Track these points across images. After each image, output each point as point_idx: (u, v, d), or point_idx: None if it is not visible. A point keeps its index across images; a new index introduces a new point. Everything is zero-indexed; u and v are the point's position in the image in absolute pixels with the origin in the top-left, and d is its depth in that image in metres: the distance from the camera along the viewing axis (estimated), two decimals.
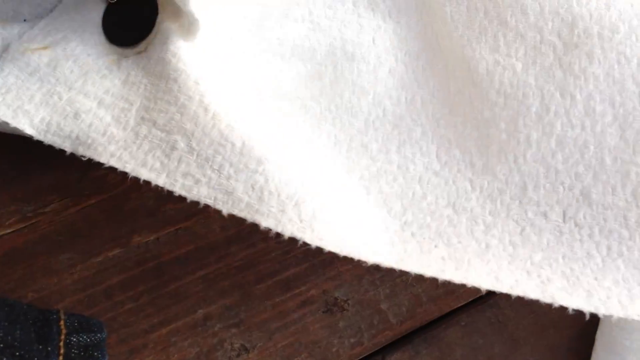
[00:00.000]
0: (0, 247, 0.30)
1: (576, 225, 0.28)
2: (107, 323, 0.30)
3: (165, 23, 0.30)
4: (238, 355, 0.31)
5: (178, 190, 0.28)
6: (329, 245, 0.27)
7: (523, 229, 0.29)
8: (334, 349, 0.32)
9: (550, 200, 0.29)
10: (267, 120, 0.31)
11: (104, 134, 0.28)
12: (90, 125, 0.28)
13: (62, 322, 0.26)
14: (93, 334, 0.27)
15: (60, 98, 0.29)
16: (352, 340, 0.32)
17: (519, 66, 0.30)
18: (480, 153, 0.30)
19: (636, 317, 0.26)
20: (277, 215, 0.27)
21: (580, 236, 0.28)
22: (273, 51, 0.32)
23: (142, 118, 0.29)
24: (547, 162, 0.29)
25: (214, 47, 0.31)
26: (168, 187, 0.28)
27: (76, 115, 0.28)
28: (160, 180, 0.28)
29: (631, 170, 0.28)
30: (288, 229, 0.27)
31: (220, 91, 0.30)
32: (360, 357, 0.32)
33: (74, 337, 0.26)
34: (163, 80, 0.29)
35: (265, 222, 0.27)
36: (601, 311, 0.25)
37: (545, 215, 0.29)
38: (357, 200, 0.30)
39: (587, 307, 0.26)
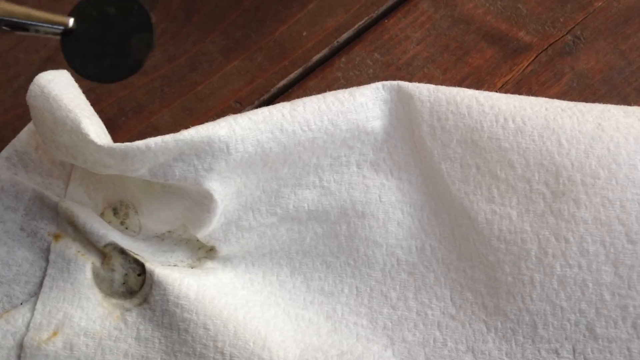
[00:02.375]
0: None
1: None
2: None
3: (156, 274, 0.34)
4: None
5: None
6: None
7: None
8: None
9: (559, 337, 0.32)
10: (287, 301, 0.34)
11: None
12: None
13: None
14: None
15: None
16: None
17: (514, 214, 0.33)
18: (490, 295, 0.34)
19: None
20: None
21: None
22: (291, 217, 0.36)
23: None
24: (552, 301, 0.32)
25: (231, 234, 0.35)
26: None
27: None
28: None
29: (629, 304, 0.31)
30: None
31: (231, 316, 0.33)
32: None
33: None
34: (175, 332, 0.33)
35: None
36: None
37: (556, 352, 0.32)
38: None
39: None
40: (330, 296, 0.36)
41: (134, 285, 0.34)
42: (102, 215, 0.36)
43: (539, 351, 0.32)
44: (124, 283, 0.34)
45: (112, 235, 0.34)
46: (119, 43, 0.21)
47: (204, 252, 0.37)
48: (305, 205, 0.36)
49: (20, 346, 0.32)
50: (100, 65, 0.21)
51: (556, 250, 0.32)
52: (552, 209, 0.33)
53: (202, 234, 0.35)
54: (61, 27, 0.22)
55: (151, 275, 0.34)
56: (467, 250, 0.35)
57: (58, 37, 0.22)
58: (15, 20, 0.22)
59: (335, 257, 0.36)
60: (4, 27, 0.22)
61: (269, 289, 0.36)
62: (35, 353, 0.32)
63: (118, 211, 0.36)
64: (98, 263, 0.34)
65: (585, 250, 0.32)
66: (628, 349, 0.31)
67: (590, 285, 0.32)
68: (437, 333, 0.34)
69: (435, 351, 0.33)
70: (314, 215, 0.36)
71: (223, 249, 0.36)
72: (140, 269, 0.34)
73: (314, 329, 0.35)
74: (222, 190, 0.34)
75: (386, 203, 0.36)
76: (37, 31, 0.22)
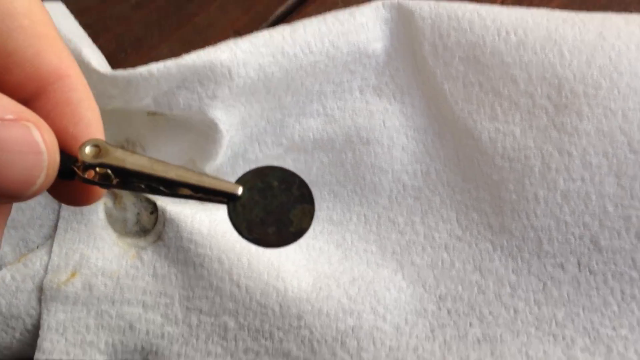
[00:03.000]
0: None
1: (591, 272, 0.32)
2: None
3: (168, 211, 0.35)
4: None
5: None
6: None
7: (545, 285, 0.33)
8: None
9: (564, 251, 0.33)
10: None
11: (162, 337, 0.33)
12: (147, 333, 0.33)
13: None
14: None
15: (110, 316, 0.34)
16: None
17: (517, 131, 0.34)
18: (495, 214, 0.35)
19: None
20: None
21: (595, 284, 0.32)
22: (297, 148, 0.37)
23: (187, 308, 0.34)
24: (556, 216, 0.33)
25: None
26: None
27: (131, 327, 0.33)
28: None
29: (632, 214, 0.32)
30: None
31: (244, 249, 0.34)
32: None
33: None
34: (190, 267, 0.34)
35: None
36: None
37: (562, 266, 0.33)
38: (393, 284, 0.34)
39: None
40: (339, 225, 0.37)
41: (147, 223, 0.36)
42: None
43: (544, 266, 0.33)
44: (137, 222, 0.36)
45: None
46: (282, 212, 0.23)
47: None
48: (310, 134, 0.37)
49: (40, 289, 0.34)
50: (266, 231, 0.23)
51: (559, 164, 0.33)
52: (554, 123, 0.33)
53: (210, 168, 0.37)
54: (227, 196, 0.23)
55: (163, 212, 0.35)
56: (472, 171, 0.35)
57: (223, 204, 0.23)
58: (186, 186, 0.23)
59: (342, 186, 0.37)
60: (161, 189, 0.23)
61: None
62: (55, 295, 0.34)
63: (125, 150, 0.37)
64: (110, 203, 0.36)
65: (588, 163, 0.32)
66: (632, 259, 0.32)
67: (594, 198, 0.32)
68: (445, 255, 0.35)
69: (443, 272, 0.35)
70: (319, 145, 0.37)
71: None
72: (152, 207, 0.36)
73: (325, 257, 0.36)
74: (226, 119, 0.34)
75: (390, 128, 0.37)
76: (200, 199, 0.23)
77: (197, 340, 0.33)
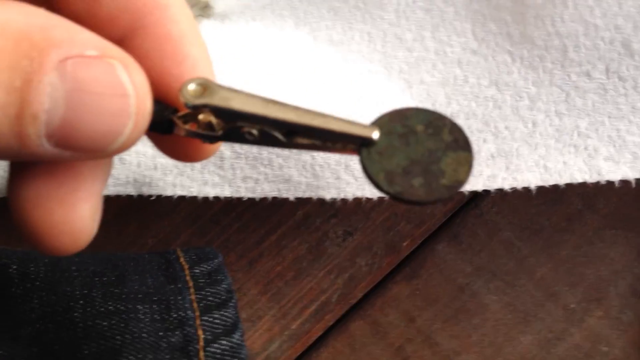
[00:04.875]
0: (111, 208, 0.35)
1: (620, 79, 0.31)
2: (223, 245, 0.34)
3: None
4: (344, 240, 0.35)
5: (244, 194, 0.31)
6: None
7: (568, 95, 0.31)
8: (429, 210, 0.35)
9: (591, 58, 0.31)
10: (294, 58, 0.34)
11: (155, 168, 0.31)
12: (139, 165, 0.31)
13: (181, 259, 0.31)
14: (211, 261, 0.31)
15: None
16: None
17: None
18: (516, 22, 0.32)
19: None
20: (335, 184, 0.30)
21: (624, 90, 0.30)
22: None
23: None
24: (585, 20, 0.31)
25: None
26: (235, 195, 0.31)
27: (121, 160, 0.31)
28: (225, 192, 0.31)
29: None
30: (349, 192, 0.31)
31: (237, 67, 0.32)
32: (454, 211, 0.35)
33: (197, 269, 0.30)
34: None
35: (328, 195, 0.31)
36: None
37: (588, 74, 0.31)
38: (400, 104, 0.33)
39: (633, 174, 0.29)
40: (340, 45, 0.35)
41: None
42: None
43: (568, 76, 0.31)
44: None
45: None
46: (430, 161, 0.20)
47: (198, 10, 0.36)
48: None
49: None
50: (410, 182, 0.19)
51: None
52: None
53: None
54: (358, 142, 0.20)
55: None
56: None
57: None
58: (309, 131, 0.20)
59: (342, 2, 0.35)
60: (277, 136, 0.20)
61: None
62: None
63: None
64: None
65: None
66: None
67: None
68: (458, 71, 0.33)
69: (455, 89, 0.33)
70: None
71: (219, 4, 0.35)
72: None
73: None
74: None
75: None
76: (323, 148, 0.20)
77: (192, 170, 0.32)
